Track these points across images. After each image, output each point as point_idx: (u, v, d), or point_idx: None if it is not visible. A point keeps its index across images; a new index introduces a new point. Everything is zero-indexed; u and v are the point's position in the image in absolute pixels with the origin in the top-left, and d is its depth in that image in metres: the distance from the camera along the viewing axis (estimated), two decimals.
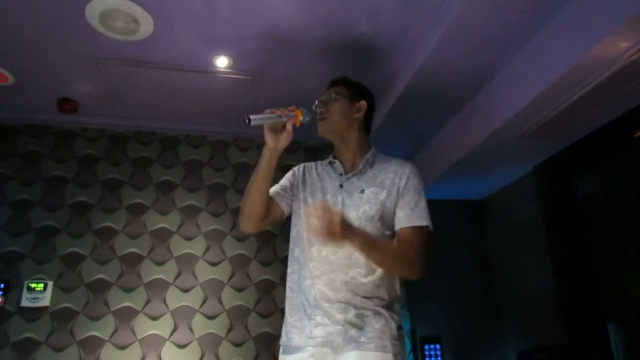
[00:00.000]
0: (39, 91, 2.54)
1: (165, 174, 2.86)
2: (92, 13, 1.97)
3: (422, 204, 1.52)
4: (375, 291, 1.41)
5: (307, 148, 3.08)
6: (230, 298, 2.66)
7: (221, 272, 2.70)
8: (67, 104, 2.62)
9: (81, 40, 2.15)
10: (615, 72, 1.78)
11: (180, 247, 2.70)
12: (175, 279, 2.64)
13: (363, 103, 1.61)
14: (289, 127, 1.44)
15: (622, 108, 2.09)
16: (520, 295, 2.82)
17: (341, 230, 1.22)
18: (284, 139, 1.44)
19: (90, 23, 2.02)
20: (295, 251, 1.53)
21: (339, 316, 1.36)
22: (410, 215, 1.47)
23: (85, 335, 2.43)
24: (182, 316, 2.57)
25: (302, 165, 1.67)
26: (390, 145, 3.01)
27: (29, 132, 2.77)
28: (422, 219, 1.49)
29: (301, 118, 1.46)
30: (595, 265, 2.50)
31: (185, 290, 2.63)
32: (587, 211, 2.63)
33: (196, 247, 2.72)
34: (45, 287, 2.45)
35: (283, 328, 1.47)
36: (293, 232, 1.57)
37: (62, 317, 2.44)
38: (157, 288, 2.60)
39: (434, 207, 3.06)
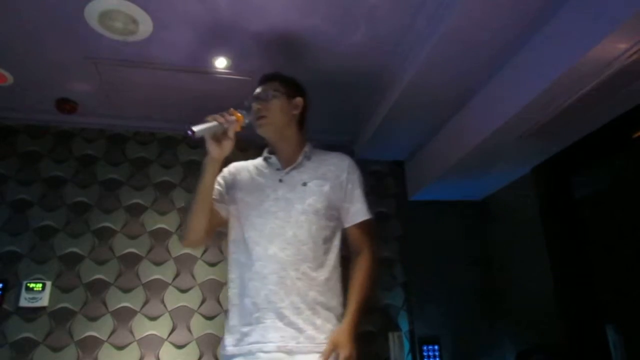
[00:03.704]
0: (38, 91, 2.54)
1: (164, 174, 2.86)
2: (91, 13, 1.97)
3: (365, 197, 1.56)
4: (326, 288, 1.40)
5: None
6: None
7: (219, 273, 2.70)
8: (66, 104, 2.62)
9: (80, 40, 2.15)
10: (613, 73, 1.79)
11: (178, 247, 2.70)
12: (174, 279, 2.64)
13: (300, 100, 1.60)
14: (231, 134, 1.38)
15: (621, 109, 2.09)
16: (519, 296, 2.82)
17: (351, 346, 1.33)
18: (227, 147, 1.38)
19: (89, 23, 2.03)
20: (235, 254, 1.47)
21: (292, 318, 1.33)
22: (362, 208, 1.53)
23: (84, 335, 2.43)
24: (181, 316, 2.57)
25: (232, 165, 1.62)
26: (390, 146, 3.02)
27: (28, 132, 2.77)
28: (370, 212, 1.55)
29: (242, 122, 1.40)
30: (593, 266, 2.50)
31: (184, 291, 2.63)
32: (586, 212, 2.63)
33: (195, 248, 2.72)
34: (43, 287, 2.45)
35: (227, 336, 1.39)
36: (232, 236, 1.51)
37: (60, 317, 2.44)
38: (156, 288, 2.59)
39: (433, 207, 3.12)
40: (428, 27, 2.05)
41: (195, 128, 1.27)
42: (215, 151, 1.36)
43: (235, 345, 1.36)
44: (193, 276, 2.67)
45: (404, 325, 2.83)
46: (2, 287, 2.41)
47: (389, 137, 2.88)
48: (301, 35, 2.17)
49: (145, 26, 2.06)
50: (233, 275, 1.46)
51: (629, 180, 2.58)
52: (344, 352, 1.31)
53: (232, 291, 1.45)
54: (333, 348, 1.32)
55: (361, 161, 3.18)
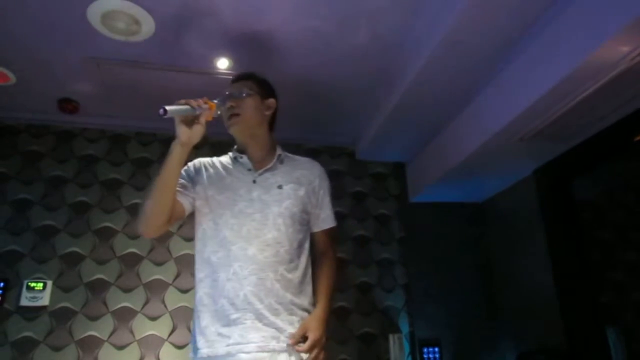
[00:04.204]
0: (40, 91, 2.54)
1: None
2: (93, 14, 1.97)
3: (332, 205, 1.63)
4: (299, 289, 1.43)
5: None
6: None
7: None
8: (68, 104, 2.62)
9: (83, 41, 2.16)
10: (615, 76, 1.79)
11: (179, 247, 2.70)
12: (175, 279, 2.64)
13: (272, 101, 1.61)
14: (202, 120, 1.34)
15: (622, 112, 2.09)
16: (520, 298, 2.82)
17: (321, 331, 1.38)
18: (197, 133, 1.33)
19: (91, 24, 2.03)
20: (204, 253, 1.44)
21: (272, 318, 1.34)
22: (330, 215, 1.60)
23: (84, 335, 2.43)
24: (181, 317, 2.57)
25: (198, 160, 1.58)
26: (391, 148, 3.02)
27: (29, 131, 2.78)
28: (335, 220, 1.62)
29: (214, 112, 1.38)
30: (594, 268, 2.50)
31: (184, 291, 2.63)
32: (587, 214, 2.63)
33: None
34: (44, 287, 2.45)
35: (199, 338, 1.35)
36: (199, 233, 1.48)
37: (61, 316, 2.44)
38: (156, 288, 2.60)
39: (434, 209, 3.12)
40: (429, 29, 2.05)
41: (168, 107, 1.25)
42: (184, 134, 1.32)
43: (210, 347, 1.33)
44: (193, 276, 2.66)
45: (405, 327, 2.83)
46: (3, 286, 2.41)
47: (390, 138, 2.88)
48: (303, 37, 2.17)
49: (148, 27, 2.06)
50: (202, 274, 1.44)
51: (631, 183, 2.58)
52: (313, 334, 1.35)
53: (203, 291, 1.41)
54: (304, 331, 1.36)
55: (362, 162, 3.23)
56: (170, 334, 2.52)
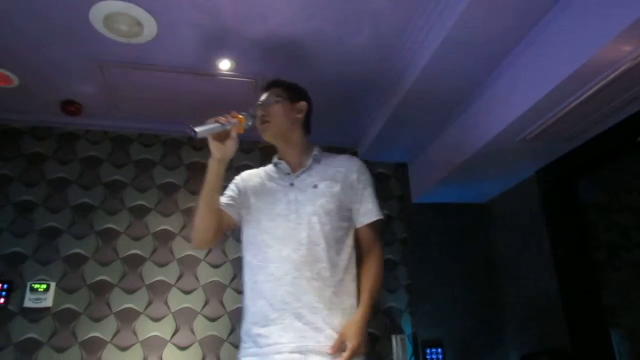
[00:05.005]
0: (43, 93, 2.55)
1: (168, 176, 2.87)
2: (96, 16, 1.98)
3: (376, 198, 1.59)
4: (340, 289, 1.41)
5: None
6: (231, 300, 2.66)
7: (223, 275, 2.70)
8: (71, 106, 2.63)
9: (85, 43, 2.17)
10: (618, 76, 1.78)
11: (182, 249, 2.71)
12: (178, 281, 2.64)
13: (303, 104, 1.62)
14: (234, 134, 1.39)
15: (626, 112, 2.08)
16: (523, 299, 2.81)
17: (360, 337, 1.34)
18: (231, 148, 1.39)
19: (94, 26, 2.04)
20: (247, 257, 1.50)
21: (310, 317, 1.34)
22: (373, 208, 1.55)
23: (88, 337, 2.44)
24: (184, 318, 2.57)
25: (246, 173, 1.66)
26: (393, 148, 3.02)
27: (33, 134, 2.79)
28: (381, 212, 1.57)
29: (244, 124, 1.42)
30: (598, 269, 2.49)
31: (187, 293, 2.63)
32: (590, 215, 2.63)
33: (198, 250, 2.72)
34: (48, 288, 2.46)
35: (245, 339, 1.41)
36: (243, 239, 1.55)
37: (64, 318, 2.45)
38: (159, 290, 2.60)
39: (437, 209, 3.11)
40: (431, 29, 2.05)
41: (198, 129, 1.29)
42: (218, 152, 1.38)
43: (252, 348, 1.37)
44: (197, 278, 2.67)
45: (408, 328, 2.82)
46: (7, 288, 2.42)
47: (392, 139, 2.88)
48: (305, 38, 2.18)
49: (150, 29, 2.07)
50: (246, 278, 1.49)
51: (634, 184, 2.57)
52: (352, 343, 1.32)
53: (248, 294, 1.47)
54: (342, 340, 1.33)
55: (364, 163, 3.22)
56: (173, 336, 2.53)
